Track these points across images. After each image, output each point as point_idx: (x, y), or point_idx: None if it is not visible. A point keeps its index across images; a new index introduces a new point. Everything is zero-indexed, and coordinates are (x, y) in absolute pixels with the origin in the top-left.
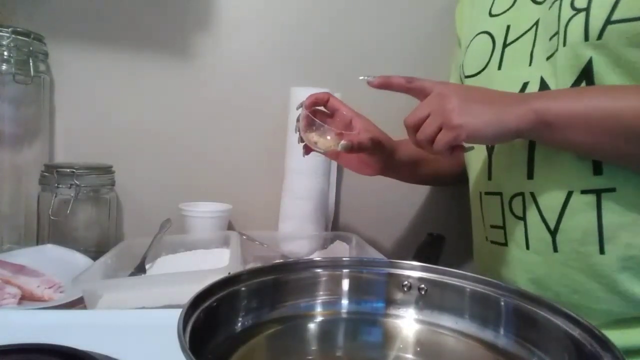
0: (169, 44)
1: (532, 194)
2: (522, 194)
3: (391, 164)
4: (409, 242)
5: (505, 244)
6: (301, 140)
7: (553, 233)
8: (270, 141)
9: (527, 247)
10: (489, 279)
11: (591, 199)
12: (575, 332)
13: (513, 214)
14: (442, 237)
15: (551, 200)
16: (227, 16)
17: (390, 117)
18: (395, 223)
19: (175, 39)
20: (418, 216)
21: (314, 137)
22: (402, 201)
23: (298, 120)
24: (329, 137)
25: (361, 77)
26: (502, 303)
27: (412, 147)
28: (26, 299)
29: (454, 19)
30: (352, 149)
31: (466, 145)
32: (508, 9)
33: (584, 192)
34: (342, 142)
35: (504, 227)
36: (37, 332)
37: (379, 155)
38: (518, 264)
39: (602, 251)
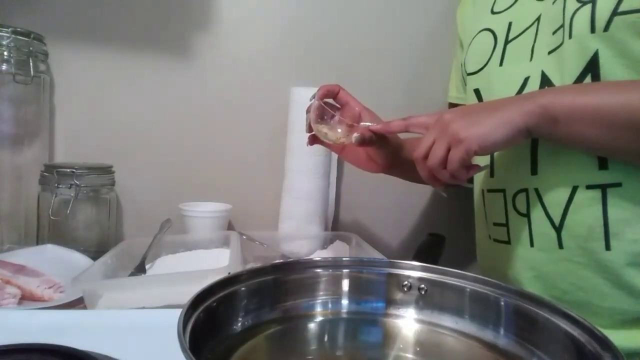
0: (169, 44)
1: (537, 190)
2: (525, 190)
3: (396, 161)
4: (409, 242)
5: (509, 242)
6: (309, 130)
7: (558, 229)
8: (270, 141)
9: (532, 245)
10: (489, 279)
11: (596, 194)
12: (575, 332)
13: (516, 210)
14: (442, 237)
15: (556, 196)
16: (227, 16)
17: (391, 116)
18: (395, 223)
19: (175, 39)
20: (418, 216)
21: (324, 128)
22: (402, 201)
23: (308, 111)
24: (339, 130)
25: (362, 124)
26: (502, 303)
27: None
28: (26, 299)
29: (455, 19)
30: (363, 141)
31: (482, 164)
32: (510, 7)
33: (589, 187)
34: (355, 134)
35: (507, 225)
36: (37, 332)
37: (385, 151)
38: (522, 262)
39: (607, 247)
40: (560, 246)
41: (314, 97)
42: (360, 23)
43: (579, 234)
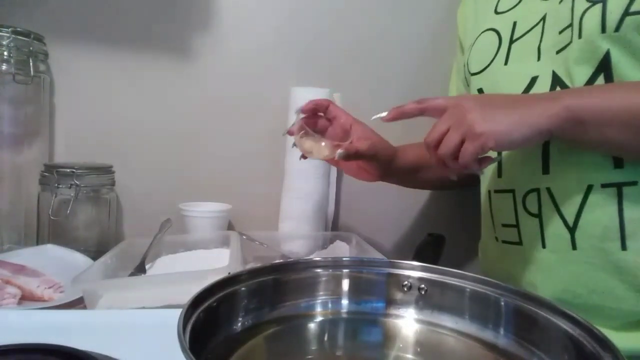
0: (169, 44)
1: (549, 190)
2: (537, 190)
3: (390, 171)
4: (409, 242)
5: (520, 243)
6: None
7: (572, 230)
8: (270, 141)
9: (544, 246)
10: (489, 279)
11: (612, 193)
12: (575, 332)
13: (527, 211)
14: (442, 237)
15: (569, 196)
16: (227, 16)
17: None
18: (395, 223)
19: (175, 39)
20: (418, 216)
21: (307, 143)
22: (402, 201)
23: (293, 124)
24: (323, 144)
25: (373, 118)
26: (502, 303)
27: (412, 154)
28: (26, 299)
29: (455, 19)
30: (348, 157)
31: (493, 156)
32: (514, 6)
33: (604, 186)
34: (339, 151)
35: (517, 226)
36: (37, 332)
37: (377, 163)
38: (533, 264)
39: (623, 247)
40: (574, 247)
41: (299, 110)
42: (360, 23)
43: (594, 234)
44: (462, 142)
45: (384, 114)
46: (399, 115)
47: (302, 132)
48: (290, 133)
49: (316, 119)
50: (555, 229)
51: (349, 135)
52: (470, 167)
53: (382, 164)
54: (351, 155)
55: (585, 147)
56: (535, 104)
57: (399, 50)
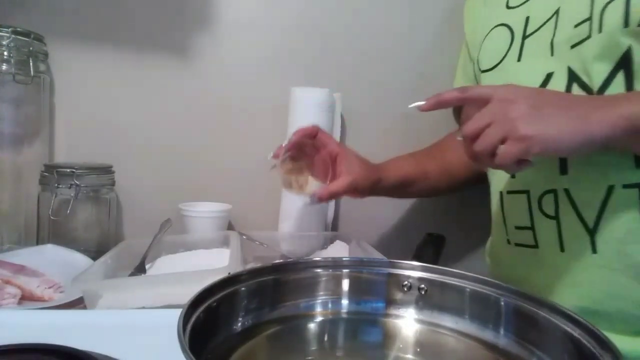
0: (169, 44)
1: (567, 191)
2: (554, 191)
3: (376, 192)
4: (409, 242)
5: (536, 246)
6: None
7: (592, 232)
8: (270, 141)
9: (562, 249)
10: (489, 279)
11: (634, 193)
12: (575, 332)
13: (543, 213)
14: (442, 237)
15: (589, 197)
16: (227, 16)
17: (391, 117)
18: (395, 223)
19: (175, 39)
20: (418, 216)
21: (288, 167)
22: (401, 201)
23: (280, 146)
24: (302, 178)
25: (410, 105)
26: (502, 303)
27: (399, 172)
28: (26, 299)
29: (460, 17)
30: (321, 201)
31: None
32: (527, 0)
33: (626, 186)
34: (308, 199)
35: (532, 228)
36: (37, 332)
37: (359, 192)
38: (550, 268)
39: None
40: (594, 251)
41: (288, 141)
42: (360, 23)
43: (615, 237)
44: (503, 141)
45: (422, 102)
46: (437, 105)
47: (287, 154)
48: (275, 156)
49: (304, 145)
50: (574, 231)
51: (334, 165)
52: (506, 169)
53: (365, 191)
54: (323, 200)
55: (633, 152)
56: (591, 110)
57: (399, 50)
